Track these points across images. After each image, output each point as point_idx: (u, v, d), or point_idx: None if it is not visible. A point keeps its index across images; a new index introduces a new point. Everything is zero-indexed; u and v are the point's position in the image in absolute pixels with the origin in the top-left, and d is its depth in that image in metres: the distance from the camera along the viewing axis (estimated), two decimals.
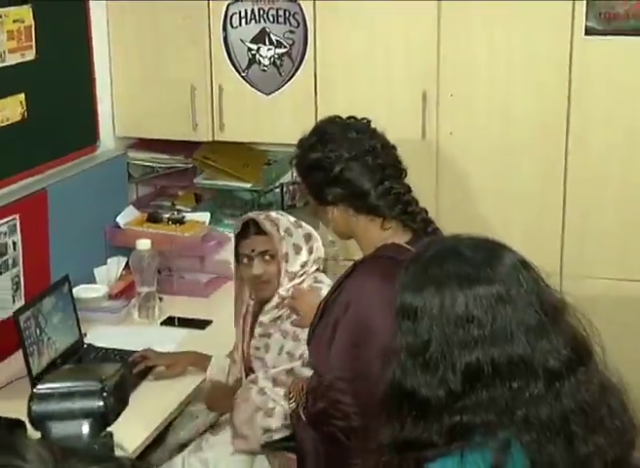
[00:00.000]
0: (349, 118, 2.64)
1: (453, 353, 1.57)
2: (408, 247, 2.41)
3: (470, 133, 3.73)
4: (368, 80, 3.80)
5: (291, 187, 4.22)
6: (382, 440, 1.63)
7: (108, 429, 1.50)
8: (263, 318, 3.04)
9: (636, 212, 3.64)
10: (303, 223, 3.09)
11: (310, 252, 3.03)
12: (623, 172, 3.62)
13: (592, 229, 3.68)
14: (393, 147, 2.62)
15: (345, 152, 2.51)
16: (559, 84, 3.60)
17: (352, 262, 2.61)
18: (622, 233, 3.66)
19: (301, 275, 3.01)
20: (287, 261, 2.98)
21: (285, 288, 2.99)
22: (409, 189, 2.59)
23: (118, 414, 1.52)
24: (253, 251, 3.00)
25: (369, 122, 2.63)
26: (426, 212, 2.60)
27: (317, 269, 3.07)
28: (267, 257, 2.99)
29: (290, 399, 2.72)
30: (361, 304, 2.39)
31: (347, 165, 2.50)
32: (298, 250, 3.01)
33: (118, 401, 1.51)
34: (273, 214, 3.11)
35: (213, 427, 3.10)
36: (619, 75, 3.54)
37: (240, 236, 3.04)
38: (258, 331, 3.07)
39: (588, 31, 3.50)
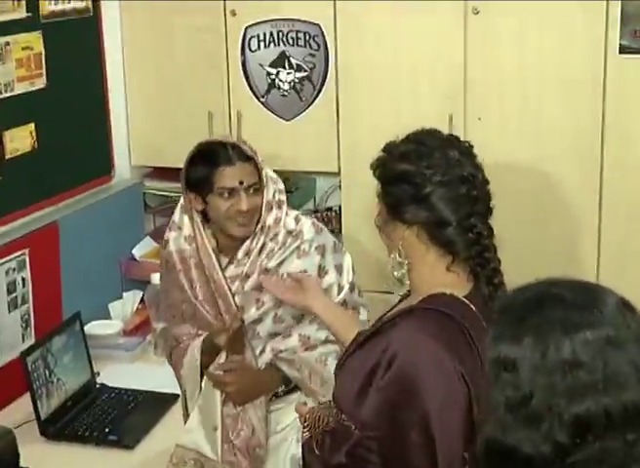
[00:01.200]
0: (450, 135, 2.31)
1: (559, 404, 1.42)
2: (465, 301, 2.17)
3: (500, 158, 3.56)
4: (391, 104, 3.65)
5: (312, 216, 4.07)
6: None
7: None
8: (270, 263, 2.63)
9: None
10: None
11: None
12: None
13: (630, 255, 3.50)
14: (487, 182, 2.30)
15: (441, 173, 2.18)
16: (593, 104, 3.44)
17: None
18: None
19: (279, 205, 2.67)
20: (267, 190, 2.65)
21: (283, 221, 2.65)
22: (492, 233, 2.29)
23: None
24: (241, 183, 2.59)
25: (472, 146, 2.29)
26: (500, 262, 2.28)
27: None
28: (252, 191, 2.61)
29: (305, 426, 2.51)
30: (408, 361, 2.12)
31: (440, 188, 2.18)
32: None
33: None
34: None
35: None
36: None
37: (213, 164, 2.61)
38: (249, 283, 2.64)
39: (623, 49, 3.37)
